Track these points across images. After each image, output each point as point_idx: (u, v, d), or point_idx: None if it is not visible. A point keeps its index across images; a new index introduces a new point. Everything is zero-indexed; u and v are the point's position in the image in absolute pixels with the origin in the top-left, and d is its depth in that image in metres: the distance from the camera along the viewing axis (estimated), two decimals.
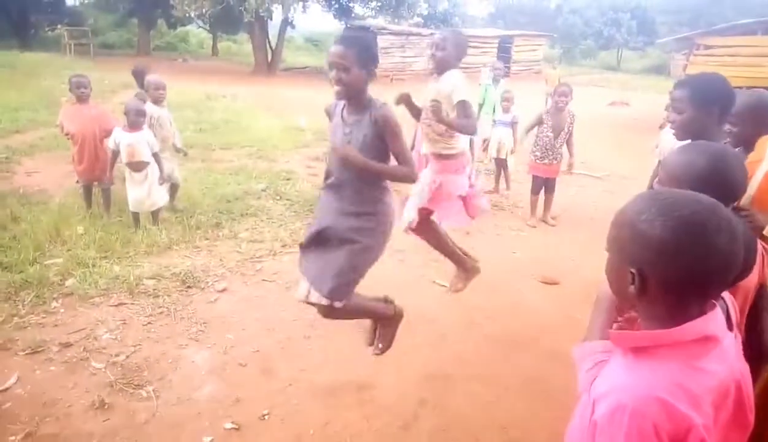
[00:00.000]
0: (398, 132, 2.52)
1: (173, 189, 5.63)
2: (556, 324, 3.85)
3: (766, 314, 1.78)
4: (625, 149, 10.33)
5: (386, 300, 2.96)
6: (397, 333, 3.01)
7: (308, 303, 2.67)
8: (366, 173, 2.57)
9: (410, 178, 2.64)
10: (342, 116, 2.64)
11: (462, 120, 3.27)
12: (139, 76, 5.82)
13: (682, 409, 0.98)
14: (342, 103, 2.66)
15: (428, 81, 3.55)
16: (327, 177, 2.75)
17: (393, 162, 2.60)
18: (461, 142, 3.57)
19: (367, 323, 3.11)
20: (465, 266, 3.67)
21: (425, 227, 3.54)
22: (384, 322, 2.97)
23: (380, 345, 2.97)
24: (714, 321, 1.07)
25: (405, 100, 3.41)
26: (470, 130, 3.35)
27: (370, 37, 2.63)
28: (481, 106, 7.98)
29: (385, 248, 2.75)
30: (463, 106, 3.27)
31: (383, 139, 2.53)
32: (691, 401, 0.99)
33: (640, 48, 40.02)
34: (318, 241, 2.67)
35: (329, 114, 2.77)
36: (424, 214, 3.49)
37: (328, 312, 2.65)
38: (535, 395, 3.08)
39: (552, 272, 4.78)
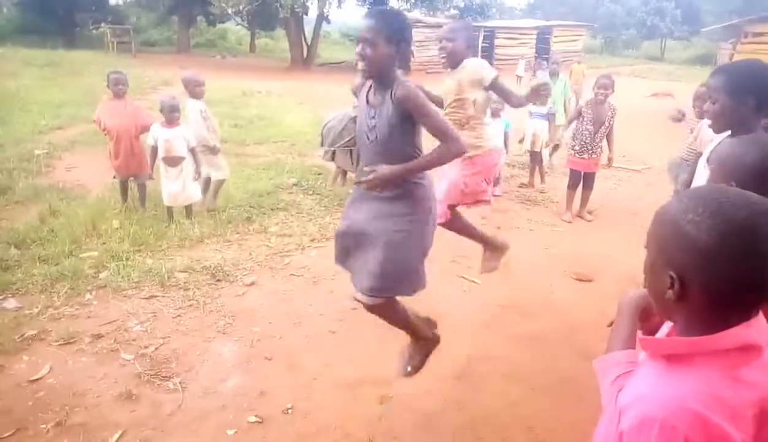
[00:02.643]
0: (424, 105, 2.31)
1: (216, 185, 5.60)
2: (588, 322, 3.73)
3: None
4: (668, 142, 9.96)
5: (429, 321, 2.84)
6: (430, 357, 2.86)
7: (356, 300, 2.58)
8: (401, 163, 2.38)
9: (457, 153, 2.38)
10: (367, 99, 2.46)
11: (511, 95, 3.49)
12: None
13: (719, 422, 0.88)
14: (369, 83, 2.48)
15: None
16: (358, 165, 2.64)
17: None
18: (490, 135, 3.50)
19: (400, 335, 3.02)
20: (495, 243, 3.61)
21: (453, 219, 3.51)
22: (419, 341, 2.80)
23: (409, 368, 2.80)
24: (757, 328, 0.96)
25: None
26: (522, 101, 3.56)
27: (403, 15, 2.49)
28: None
29: (431, 229, 2.60)
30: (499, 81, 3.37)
31: (410, 120, 2.33)
32: (728, 414, 0.89)
33: (685, 37, 38.70)
34: (355, 236, 2.55)
35: (356, 94, 2.66)
36: (452, 208, 3.46)
37: (370, 308, 2.55)
38: (564, 395, 2.99)
39: (587, 268, 4.63)
